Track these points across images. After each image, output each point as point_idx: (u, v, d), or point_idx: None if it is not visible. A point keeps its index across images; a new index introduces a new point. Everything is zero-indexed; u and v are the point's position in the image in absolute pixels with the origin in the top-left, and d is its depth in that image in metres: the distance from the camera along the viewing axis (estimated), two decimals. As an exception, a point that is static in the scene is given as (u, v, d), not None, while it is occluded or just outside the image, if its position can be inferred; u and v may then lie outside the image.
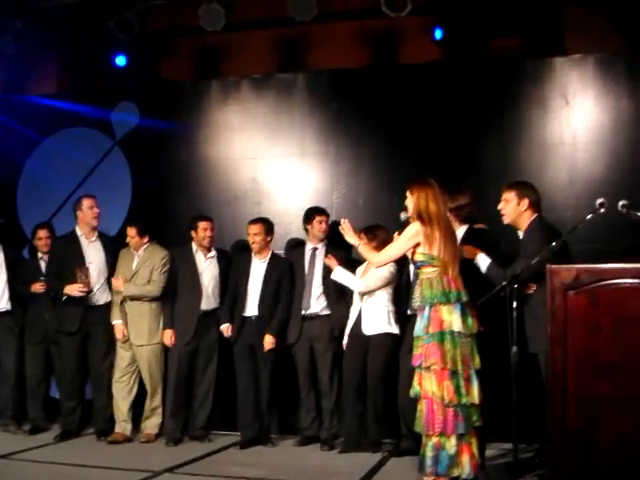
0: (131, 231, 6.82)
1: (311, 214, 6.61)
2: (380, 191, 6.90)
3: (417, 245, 4.95)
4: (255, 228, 6.51)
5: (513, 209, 5.33)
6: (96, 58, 7.60)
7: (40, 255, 7.22)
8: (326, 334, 6.44)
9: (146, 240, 6.85)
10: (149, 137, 7.59)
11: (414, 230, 4.93)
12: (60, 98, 7.75)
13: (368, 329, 6.15)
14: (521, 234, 5.39)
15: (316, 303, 6.49)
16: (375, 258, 5.20)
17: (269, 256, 6.55)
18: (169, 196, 7.51)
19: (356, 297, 6.27)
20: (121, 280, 6.68)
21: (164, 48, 7.76)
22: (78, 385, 6.93)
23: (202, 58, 7.70)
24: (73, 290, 6.64)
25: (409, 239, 4.96)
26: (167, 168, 7.56)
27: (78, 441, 6.81)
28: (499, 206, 5.40)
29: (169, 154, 7.58)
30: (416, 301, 5.08)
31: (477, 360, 4.88)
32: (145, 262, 6.80)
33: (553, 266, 4.36)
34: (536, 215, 5.32)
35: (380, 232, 6.12)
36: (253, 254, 6.56)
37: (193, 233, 6.75)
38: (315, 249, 6.66)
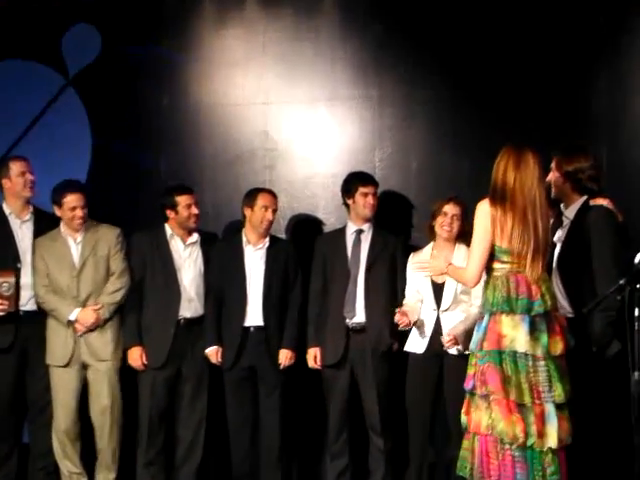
0: (79, 199, 5.94)
1: (353, 184, 5.94)
2: (440, 150, 6.32)
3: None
4: (274, 202, 6.00)
5: None
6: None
7: None
8: (374, 352, 5.83)
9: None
10: (116, 75, 6.81)
11: (481, 213, 4.59)
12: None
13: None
14: None
15: (363, 309, 5.87)
16: (465, 274, 4.81)
17: (267, 241, 5.99)
18: (144, 157, 6.78)
19: (425, 303, 5.69)
20: (90, 310, 5.91)
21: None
22: (14, 423, 6.14)
23: (191, -38, 6.97)
24: None
25: (480, 227, 4.59)
26: (142, 118, 6.82)
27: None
28: None
29: (144, 98, 6.82)
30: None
31: (559, 391, 4.47)
32: (93, 248, 6.05)
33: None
34: None
35: None
36: (245, 240, 6.00)
37: (170, 212, 6.04)
38: (360, 232, 5.94)
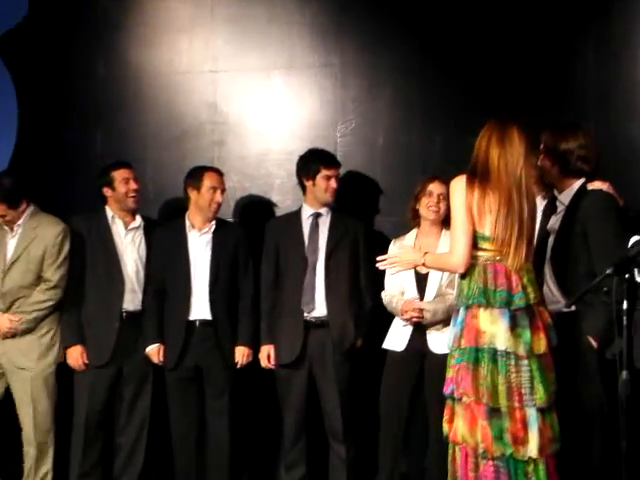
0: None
1: (313, 164, 5.72)
2: (409, 125, 6.12)
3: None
4: (222, 181, 5.77)
5: None
6: None
7: None
8: (336, 349, 5.64)
9: (23, 208, 5.74)
10: (45, 40, 6.56)
11: (459, 189, 4.47)
12: None
13: (436, 345, 5.39)
14: None
15: (323, 301, 5.70)
16: (452, 259, 4.62)
17: (213, 224, 5.79)
18: (79, 133, 6.51)
19: (407, 295, 5.52)
20: (6, 319, 5.70)
21: None
22: None
23: None
24: None
25: (460, 203, 4.48)
26: (75, 88, 6.56)
27: None
28: None
29: (78, 66, 6.56)
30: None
31: (540, 394, 4.37)
32: (26, 247, 5.79)
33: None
34: None
35: None
36: (188, 224, 5.80)
37: (107, 190, 5.78)
38: (317, 216, 5.75)
